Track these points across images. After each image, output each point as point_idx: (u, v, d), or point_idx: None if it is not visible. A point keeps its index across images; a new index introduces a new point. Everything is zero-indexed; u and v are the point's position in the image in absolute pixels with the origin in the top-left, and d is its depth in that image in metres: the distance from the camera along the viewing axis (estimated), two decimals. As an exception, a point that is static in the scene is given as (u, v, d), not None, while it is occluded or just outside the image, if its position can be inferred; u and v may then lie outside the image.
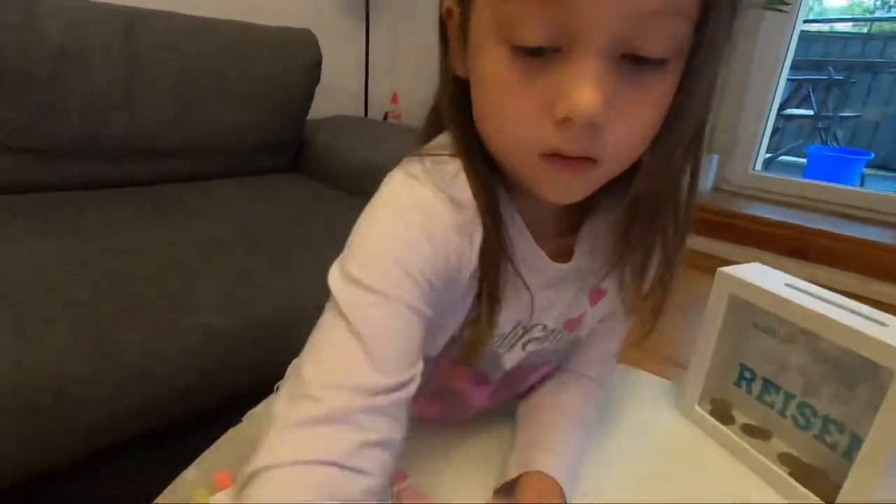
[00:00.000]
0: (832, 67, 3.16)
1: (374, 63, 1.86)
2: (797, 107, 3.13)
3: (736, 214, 1.87)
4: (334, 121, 1.55)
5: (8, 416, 0.58)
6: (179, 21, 1.16)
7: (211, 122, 1.23)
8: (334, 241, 0.36)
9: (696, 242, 1.85)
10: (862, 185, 2.81)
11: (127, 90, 1.08)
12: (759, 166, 2.13)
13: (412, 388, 0.31)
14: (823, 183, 2.01)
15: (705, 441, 0.52)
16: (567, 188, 0.33)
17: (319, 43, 1.37)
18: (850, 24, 3.80)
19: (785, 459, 0.48)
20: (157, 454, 0.52)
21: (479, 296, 0.36)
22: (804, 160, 3.03)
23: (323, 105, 1.49)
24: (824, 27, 3.77)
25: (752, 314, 0.52)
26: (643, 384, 0.61)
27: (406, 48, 1.96)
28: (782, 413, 0.51)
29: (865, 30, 3.69)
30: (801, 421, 0.49)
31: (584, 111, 0.27)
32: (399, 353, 0.31)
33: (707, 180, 2.11)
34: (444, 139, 0.38)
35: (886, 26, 3.69)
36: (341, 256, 0.33)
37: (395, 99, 1.96)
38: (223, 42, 1.21)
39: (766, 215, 1.84)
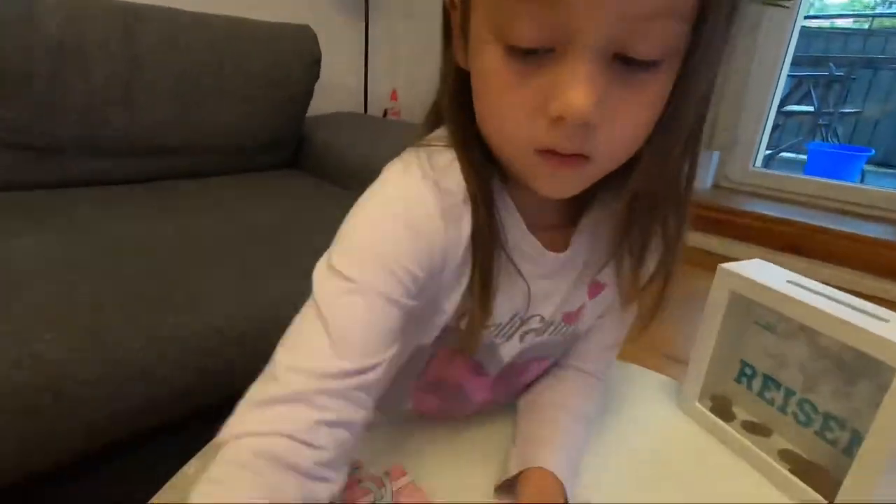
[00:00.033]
0: (833, 64, 3.15)
1: (373, 59, 1.85)
2: (798, 103, 3.12)
3: (736, 211, 1.87)
4: (334, 117, 1.55)
5: (7, 415, 0.58)
6: (179, 17, 1.16)
7: (210, 118, 1.23)
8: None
9: (696, 239, 1.84)
10: (862, 181, 2.80)
11: (126, 87, 1.08)
12: (759, 163, 2.12)
13: (374, 374, 0.32)
14: (824, 179, 2.01)
15: (706, 438, 0.52)
16: (561, 184, 0.33)
17: (318, 39, 1.37)
18: (851, 20, 3.79)
19: (785, 456, 0.48)
20: (157, 453, 0.52)
21: (472, 281, 0.37)
22: (804, 157, 3.02)
23: (322, 102, 1.48)
24: (825, 23, 3.76)
25: (752, 310, 0.52)
26: (643, 381, 0.61)
27: (405, 45, 1.96)
28: (783, 409, 0.51)
29: (866, 26, 3.68)
30: (802, 417, 0.49)
31: (576, 111, 0.27)
32: (363, 339, 0.32)
33: (707, 177, 2.11)
34: (443, 131, 0.38)
35: (887, 22, 3.68)
36: (330, 247, 0.35)
37: (394, 95, 1.96)
38: (222, 38, 1.21)
39: (767, 212, 1.83)
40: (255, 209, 1.08)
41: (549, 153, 0.31)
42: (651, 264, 0.40)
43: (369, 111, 1.90)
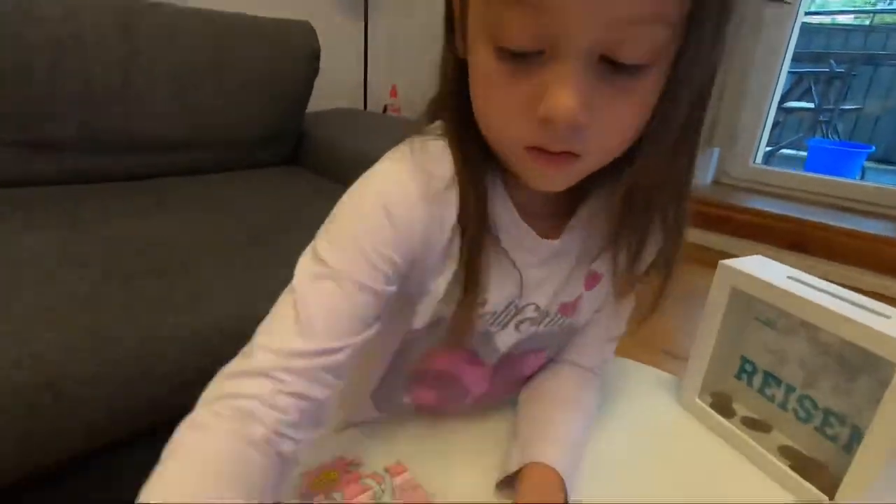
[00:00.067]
0: (833, 60, 3.14)
1: (372, 55, 1.85)
2: (798, 99, 3.12)
3: (736, 208, 1.87)
4: (333, 114, 1.54)
5: (8, 414, 0.58)
6: (177, 13, 1.16)
7: (209, 114, 1.22)
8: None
9: (696, 235, 1.84)
10: (862, 178, 2.80)
11: (125, 83, 1.08)
12: (759, 159, 2.12)
13: (340, 356, 0.34)
14: (824, 176, 2.01)
15: (706, 434, 0.52)
16: (550, 179, 0.34)
17: (318, 35, 1.36)
18: (852, 16, 3.77)
19: (785, 452, 0.48)
20: (157, 452, 0.52)
21: (459, 265, 0.37)
22: (805, 153, 3.02)
23: (322, 98, 1.48)
24: (826, 19, 3.75)
25: (753, 307, 0.52)
26: (644, 377, 0.61)
27: (405, 40, 1.95)
28: (783, 406, 0.51)
29: (867, 22, 3.67)
30: (802, 413, 0.49)
31: (562, 113, 0.28)
32: (330, 323, 0.33)
33: (708, 173, 2.11)
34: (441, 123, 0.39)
35: (888, 18, 3.67)
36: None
37: (394, 91, 1.95)
38: (221, 34, 1.21)
39: (767, 208, 1.83)
40: (254, 206, 1.07)
41: (538, 150, 0.31)
42: (649, 259, 0.41)
43: (369, 107, 1.90)
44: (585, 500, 0.42)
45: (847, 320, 0.41)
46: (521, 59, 0.29)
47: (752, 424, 0.52)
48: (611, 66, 0.28)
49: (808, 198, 1.95)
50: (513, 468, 0.42)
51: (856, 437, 0.44)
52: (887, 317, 0.41)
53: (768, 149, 2.64)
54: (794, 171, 2.10)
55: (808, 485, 0.44)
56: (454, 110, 0.36)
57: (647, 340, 1.15)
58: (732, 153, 2.07)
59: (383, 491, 0.41)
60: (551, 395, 0.48)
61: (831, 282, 0.46)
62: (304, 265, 0.35)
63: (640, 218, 0.38)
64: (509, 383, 0.50)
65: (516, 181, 0.37)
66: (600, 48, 0.28)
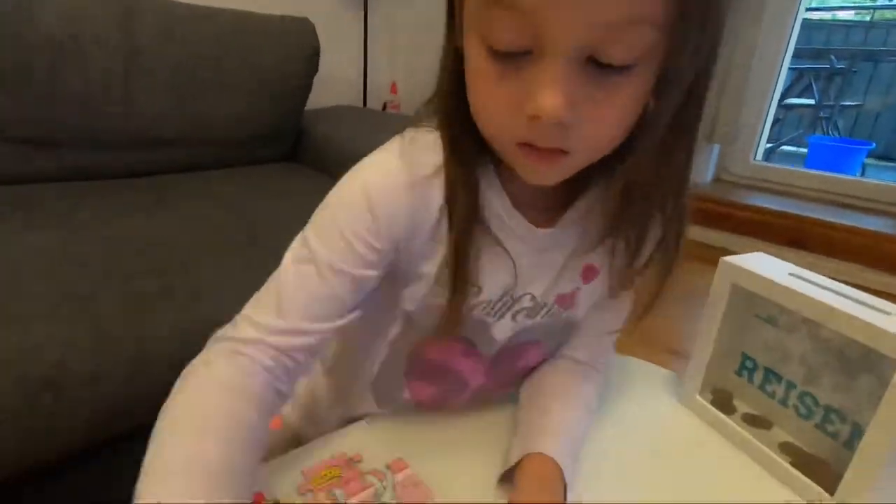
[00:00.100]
0: (834, 56, 3.13)
1: (372, 52, 1.84)
2: (798, 96, 3.11)
3: (736, 204, 1.86)
4: (333, 111, 1.54)
5: (8, 410, 0.58)
6: (176, 10, 1.15)
7: (208, 111, 1.22)
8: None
9: (696, 232, 1.83)
10: (863, 175, 2.80)
11: (124, 80, 1.07)
12: (759, 156, 2.12)
13: (314, 339, 0.37)
14: (824, 173, 2.00)
15: (706, 431, 0.52)
16: (542, 174, 0.35)
17: (317, 32, 1.36)
18: (853, 12, 3.76)
19: (786, 449, 0.48)
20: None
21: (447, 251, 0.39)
22: (805, 150, 3.02)
23: (321, 95, 1.48)
24: (826, 15, 3.74)
25: (754, 304, 0.52)
26: (644, 374, 0.61)
27: (405, 37, 1.94)
28: (784, 402, 0.51)
29: (868, 18, 3.66)
30: (803, 410, 0.49)
31: (548, 112, 0.29)
32: (305, 305, 0.37)
33: (708, 170, 2.10)
34: None
35: (889, 14, 3.66)
36: None
37: (394, 89, 1.95)
38: (220, 31, 1.20)
39: (767, 205, 1.83)
40: (253, 203, 1.07)
41: (528, 146, 0.32)
42: (648, 254, 0.41)
43: (368, 104, 1.89)
44: (586, 496, 0.42)
45: (848, 317, 0.41)
46: (509, 59, 0.30)
47: (752, 421, 0.52)
48: (597, 65, 0.29)
49: (809, 194, 1.94)
50: (513, 461, 0.42)
51: (856, 433, 0.44)
52: (888, 313, 0.41)
53: (769, 145, 2.64)
54: (794, 168, 2.10)
55: (808, 481, 0.44)
56: (452, 101, 0.36)
57: (648, 337, 1.15)
58: (733, 150, 2.07)
59: (385, 488, 0.41)
60: (550, 388, 0.49)
61: (831, 279, 0.46)
62: (293, 248, 0.39)
63: (638, 213, 0.38)
64: (508, 375, 0.50)
65: (512, 174, 0.37)
66: (586, 49, 0.28)
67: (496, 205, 0.39)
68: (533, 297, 0.43)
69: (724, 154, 2.10)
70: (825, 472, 0.44)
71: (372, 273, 0.38)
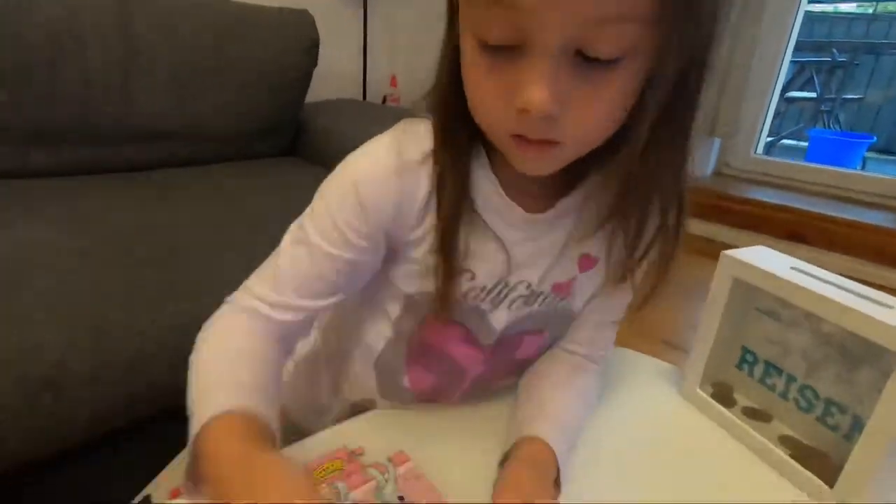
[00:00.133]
0: (836, 49, 3.12)
1: (372, 45, 1.83)
2: (800, 89, 3.10)
3: (737, 198, 1.86)
4: (333, 104, 1.53)
5: (9, 404, 0.58)
6: (175, 2, 1.14)
7: (208, 105, 1.21)
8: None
9: (696, 226, 1.83)
10: (863, 168, 2.79)
11: (123, 73, 1.07)
12: (760, 150, 2.11)
13: (299, 316, 0.41)
14: (824, 167, 2.00)
15: (707, 423, 0.52)
16: (534, 164, 0.36)
17: (317, 25, 1.35)
18: (855, 4, 3.74)
19: (786, 441, 0.49)
20: (158, 441, 0.53)
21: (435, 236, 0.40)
22: (806, 143, 3.01)
23: (321, 88, 1.47)
24: (828, 7, 3.71)
25: (755, 297, 0.52)
26: (644, 367, 0.61)
27: (404, 30, 1.93)
28: (784, 396, 0.51)
29: (870, 10, 3.64)
30: (803, 403, 0.49)
31: (536, 106, 0.30)
32: (298, 283, 0.40)
33: (708, 164, 2.10)
34: None
35: (892, 7, 3.64)
36: None
37: (393, 82, 1.94)
38: (219, 23, 1.20)
39: (767, 199, 1.83)
40: (253, 197, 1.07)
41: (520, 138, 0.33)
42: (645, 246, 0.41)
43: (368, 98, 1.88)
44: (586, 489, 0.43)
45: (850, 311, 0.41)
46: (500, 52, 0.30)
47: (752, 414, 0.52)
48: (584, 59, 0.30)
49: (809, 188, 1.94)
50: (510, 444, 0.43)
51: (857, 426, 0.44)
52: (890, 307, 0.41)
53: (769, 139, 2.63)
54: (795, 162, 2.09)
55: (808, 473, 0.44)
56: (449, 93, 0.37)
57: (646, 330, 1.15)
58: (733, 144, 2.06)
59: (387, 481, 0.41)
60: (548, 378, 0.49)
61: (832, 273, 0.46)
62: (291, 230, 0.42)
63: (635, 204, 0.39)
64: (507, 365, 0.50)
65: (507, 163, 0.38)
66: (573, 44, 0.29)
67: (489, 193, 0.40)
68: (529, 285, 0.44)
69: (724, 148, 2.09)
70: (825, 465, 0.44)
71: (363, 258, 0.40)
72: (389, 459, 0.43)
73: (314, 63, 1.36)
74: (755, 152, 2.08)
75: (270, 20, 1.28)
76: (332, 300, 0.41)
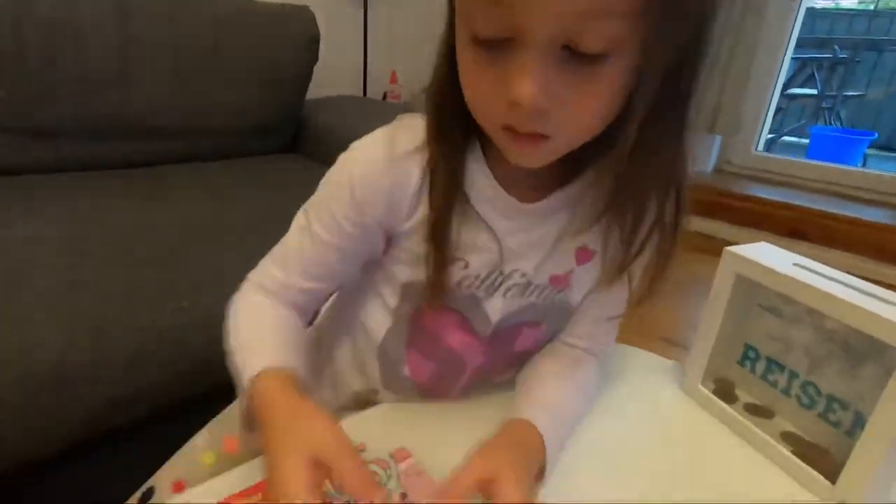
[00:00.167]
0: (837, 45, 3.11)
1: (372, 42, 1.83)
2: (801, 86, 3.09)
3: (737, 195, 1.86)
4: (333, 100, 1.53)
5: (9, 402, 0.58)
6: (174, -3, 1.14)
7: (207, 101, 1.21)
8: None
9: (696, 223, 1.84)
10: (864, 165, 2.79)
11: (121, 68, 1.06)
12: (761, 147, 2.11)
13: (306, 295, 0.45)
14: (825, 164, 2.00)
15: (708, 420, 0.52)
16: (526, 157, 0.36)
17: (317, 21, 1.34)
18: (856, 0, 3.73)
19: (788, 438, 0.49)
20: (157, 440, 0.53)
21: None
22: (807, 140, 3.00)
23: (321, 85, 1.47)
24: (830, 3, 3.70)
25: (757, 294, 0.52)
26: (646, 363, 0.61)
27: (405, 27, 1.93)
28: (786, 392, 0.51)
29: (872, 6, 3.63)
30: (805, 400, 0.49)
31: (524, 99, 0.30)
32: (302, 266, 0.44)
33: (709, 161, 2.10)
34: None
35: (893, 3, 3.63)
36: None
37: (394, 78, 1.94)
38: (219, 18, 1.19)
39: (768, 196, 1.83)
40: (252, 194, 1.07)
41: (511, 130, 0.34)
42: (641, 241, 0.41)
43: (368, 94, 1.88)
44: (587, 485, 0.43)
45: (853, 307, 0.41)
46: (491, 46, 0.31)
47: (754, 410, 0.52)
48: (572, 54, 0.30)
49: (810, 185, 1.94)
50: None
51: (859, 422, 0.44)
52: (893, 304, 0.41)
53: (770, 136, 2.63)
54: (795, 159, 2.09)
55: (810, 470, 0.44)
56: (446, 86, 0.37)
57: (646, 328, 1.15)
58: (734, 141, 2.06)
59: (389, 476, 0.41)
60: (545, 369, 0.49)
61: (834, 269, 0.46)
62: (298, 216, 0.45)
63: (630, 199, 0.39)
64: (507, 357, 0.50)
65: (501, 155, 0.38)
66: (561, 38, 0.29)
67: (483, 186, 0.41)
68: (524, 274, 0.44)
69: (725, 145, 2.09)
70: (827, 461, 0.44)
71: (356, 245, 0.43)
72: (391, 455, 0.43)
73: (314, 59, 1.36)
74: (756, 149, 2.08)
75: (270, 16, 1.28)
76: (333, 283, 0.46)
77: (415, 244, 0.42)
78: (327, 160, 0.44)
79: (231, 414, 0.54)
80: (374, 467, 0.42)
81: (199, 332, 0.72)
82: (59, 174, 1.04)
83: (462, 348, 0.47)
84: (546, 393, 0.46)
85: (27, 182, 0.98)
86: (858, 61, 3.22)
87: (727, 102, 1.96)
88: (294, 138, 1.44)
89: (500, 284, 0.44)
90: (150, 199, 0.98)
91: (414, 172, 0.40)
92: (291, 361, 0.40)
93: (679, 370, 0.59)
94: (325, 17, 1.38)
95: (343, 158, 0.42)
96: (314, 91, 1.42)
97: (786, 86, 2.65)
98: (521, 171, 0.38)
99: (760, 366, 0.53)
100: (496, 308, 0.45)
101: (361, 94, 1.86)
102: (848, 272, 0.45)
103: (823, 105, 3.17)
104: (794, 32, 1.90)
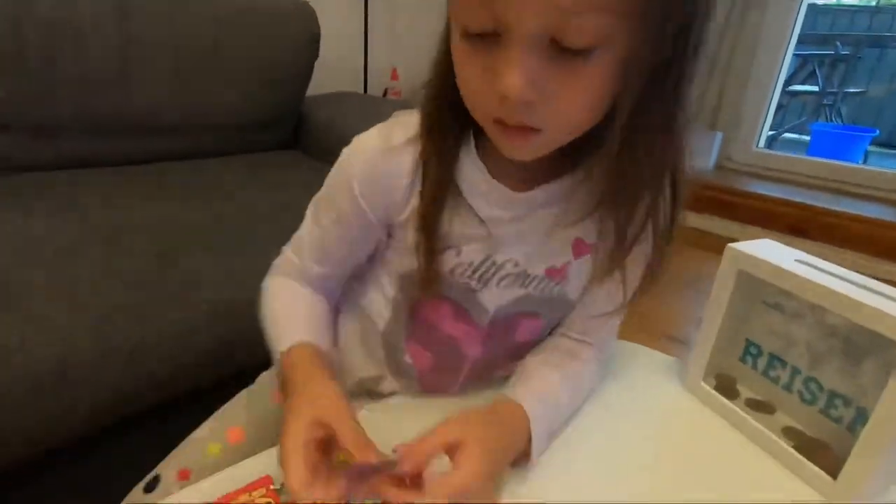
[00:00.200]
0: (839, 42, 3.10)
1: (373, 38, 1.82)
2: (802, 83, 3.08)
3: (738, 192, 1.86)
4: (334, 97, 1.53)
5: (13, 396, 0.58)
6: (174, -7, 1.13)
7: (207, 97, 1.21)
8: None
9: (697, 220, 1.84)
10: (865, 162, 2.78)
11: (121, 66, 1.06)
12: (762, 144, 2.11)
13: (320, 279, 0.49)
14: (826, 160, 1.99)
15: (710, 416, 0.52)
16: (517, 150, 0.37)
17: (318, 17, 1.34)
18: (858, -4, 3.72)
19: (789, 433, 0.49)
20: (160, 434, 0.53)
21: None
22: (808, 137, 3.00)
23: (322, 81, 1.46)
24: (831, 0, 3.69)
25: (759, 290, 0.52)
26: (647, 360, 0.61)
27: (406, 23, 1.92)
28: (788, 388, 0.51)
29: (874, 3, 3.61)
30: (807, 395, 0.49)
31: (511, 93, 0.31)
32: (313, 252, 0.48)
33: (710, 158, 2.09)
34: None
35: (895, -1, 3.62)
36: None
37: (394, 74, 1.93)
38: (219, 15, 1.19)
39: (769, 193, 1.83)
40: (253, 190, 1.07)
41: (501, 122, 0.34)
42: (634, 236, 0.41)
43: (369, 90, 1.88)
44: (588, 481, 0.43)
45: (855, 303, 0.41)
46: (480, 40, 0.32)
47: (756, 406, 0.52)
48: (560, 48, 0.30)
49: (811, 182, 1.94)
50: None
51: (860, 418, 0.44)
52: (894, 299, 0.41)
53: (771, 133, 2.62)
54: (797, 156, 2.09)
55: (811, 465, 0.44)
56: (443, 80, 0.38)
57: (646, 323, 1.15)
58: (735, 137, 2.06)
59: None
60: (539, 359, 0.50)
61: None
62: (311, 204, 0.48)
63: (624, 194, 0.39)
64: (505, 349, 0.50)
65: (494, 147, 0.39)
66: (547, 32, 0.30)
67: (476, 179, 0.41)
68: (516, 264, 0.44)
69: (726, 141, 2.08)
70: (828, 457, 0.44)
71: (362, 234, 0.45)
72: (394, 451, 0.43)
73: (315, 56, 1.36)
74: (757, 146, 2.07)
75: (271, 12, 1.27)
76: (342, 268, 0.49)
77: (409, 235, 0.43)
78: (328, 157, 0.46)
79: (235, 405, 0.55)
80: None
81: (202, 326, 0.72)
82: (60, 172, 1.04)
83: (460, 336, 0.48)
84: (538, 382, 0.47)
85: (28, 180, 0.97)
86: (860, 58, 3.20)
87: (728, 99, 1.96)
88: (295, 135, 1.44)
89: (494, 274, 0.45)
90: (150, 196, 0.98)
91: (406, 162, 0.41)
92: (312, 336, 0.45)
93: (681, 366, 0.59)
94: (326, 13, 1.38)
95: (343, 155, 0.44)
96: (315, 87, 1.42)
97: (787, 82, 2.64)
98: (514, 164, 0.39)
99: (762, 362, 0.53)
100: (491, 298, 0.45)
101: (362, 90, 1.86)
102: (850, 269, 0.45)
103: (825, 102, 3.15)
104: (795, 29, 1.90)
